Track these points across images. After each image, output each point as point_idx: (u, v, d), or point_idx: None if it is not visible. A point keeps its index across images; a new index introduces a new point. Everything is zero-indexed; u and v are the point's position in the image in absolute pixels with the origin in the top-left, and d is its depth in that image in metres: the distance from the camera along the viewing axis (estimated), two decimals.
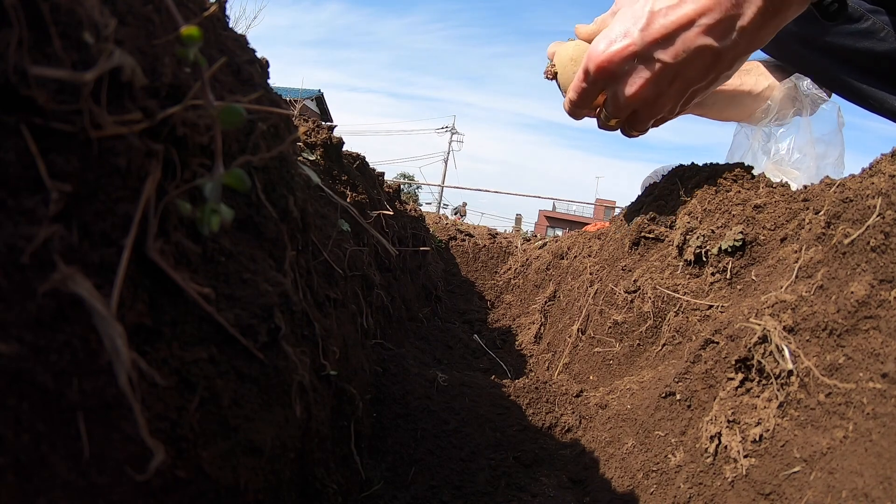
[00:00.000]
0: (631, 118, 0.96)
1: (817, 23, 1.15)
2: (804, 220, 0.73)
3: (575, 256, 1.43)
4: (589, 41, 0.97)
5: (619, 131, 1.03)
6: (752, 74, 1.38)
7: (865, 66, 1.18)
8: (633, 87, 0.86)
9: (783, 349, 0.54)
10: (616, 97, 0.90)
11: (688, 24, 0.80)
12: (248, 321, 0.38)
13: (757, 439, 0.54)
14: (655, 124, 1.00)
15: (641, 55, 0.83)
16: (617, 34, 0.84)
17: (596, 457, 0.77)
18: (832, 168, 1.38)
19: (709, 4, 0.78)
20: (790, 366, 0.53)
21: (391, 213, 1.18)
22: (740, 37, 0.80)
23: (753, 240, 0.81)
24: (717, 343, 0.66)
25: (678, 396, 0.69)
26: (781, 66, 1.38)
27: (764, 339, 0.57)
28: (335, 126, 1.01)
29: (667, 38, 0.81)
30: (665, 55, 0.82)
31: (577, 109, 0.97)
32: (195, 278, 0.36)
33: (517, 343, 1.40)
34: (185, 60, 0.37)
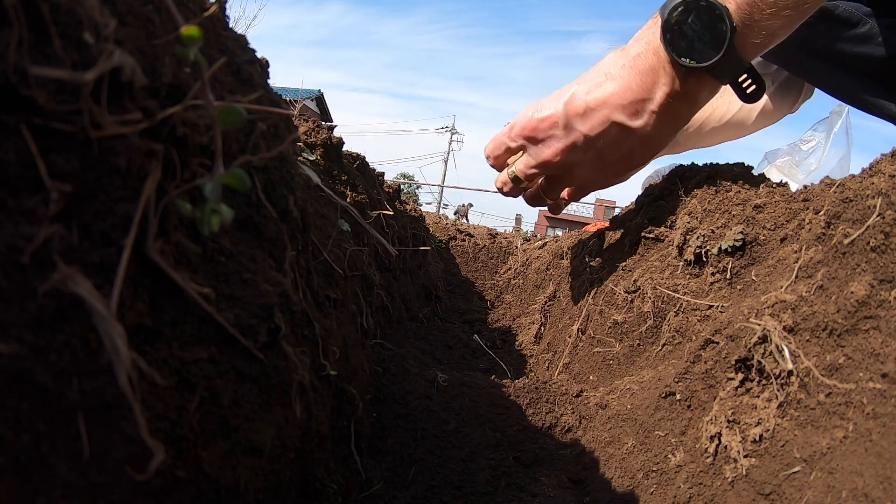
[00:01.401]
0: (547, 182, 1.04)
1: (814, 28, 1.14)
2: (804, 220, 0.73)
3: (575, 256, 1.43)
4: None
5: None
6: (725, 96, 1.36)
7: (863, 70, 1.17)
8: (550, 150, 0.96)
9: (783, 349, 0.54)
10: (531, 156, 0.99)
11: (604, 103, 0.90)
12: (248, 321, 0.38)
13: (757, 439, 0.54)
14: (574, 195, 1.08)
15: (562, 125, 0.94)
16: (545, 106, 0.96)
17: (596, 457, 0.77)
18: (838, 169, 1.39)
19: (623, 87, 0.89)
20: (790, 366, 0.53)
21: (391, 213, 1.18)
22: (652, 117, 0.90)
23: (753, 240, 0.81)
24: (717, 343, 0.66)
25: (678, 396, 0.69)
26: (766, 74, 1.37)
27: (764, 339, 0.57)
28: (335, 126, 1.01)
29: (586, 113, 0.91)
30: (582, 126, 0.92)
31: (493, 158, 1.07)
32: (195, 278, 0.36)
33: (517, 343, 1.40)
34: (185, 60, 0.37)
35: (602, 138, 0.92)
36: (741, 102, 1.35)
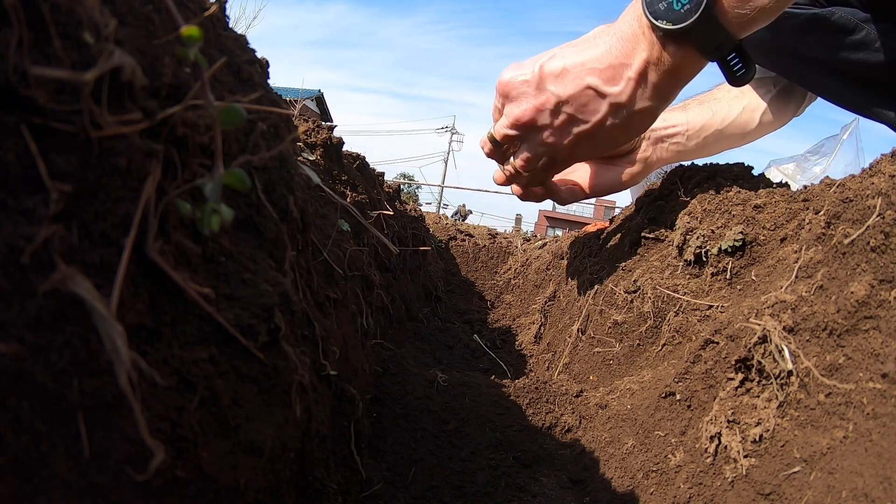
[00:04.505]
0: (519, 149, 1.01)
1: (811, 35, 1.13)
2: (804, 220, 0.73)
3: (575, 256, 1.43)
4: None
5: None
6: (724, 102, 1.34)
7: (861, 76, 1.17)
8: (520, 108, 0.94)
9: (783, 349, 0.54)
10: (505, 115, 0.98)
11: (580, 66, 0.89)
12: (248, 321, 0.38)
13: (757, 439, 0.54)
14: (546, 169, 1.03)
15: (535, 84, 0.93)
16: (524, 65, 0.95)
17: (596, 457, 0.77)
18: (844, 175, 1.40)
19: (602, 51, 0.88)
20: (790, 366, 0.53)
21: (391, 213, 1.18)
22: (630, 84, 0.87)
23: (753, 240, 0.81)
24: (717, 343, 0.66)
25: (678, 396, 0.69)
26: (766, 78, 1.36)
27: (764, 340, 0.57)
28: (335, 126, 1.01)
29: (560, 75, 0.90)
30: (554, 87, 0.91)
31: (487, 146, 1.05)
32: (195, 278, 0.36)
33: (517, 343, 1.40)
34: (186, 60, 0.36)
35: (573, 101, 0.90)
36: (743, 105, 1.34)
